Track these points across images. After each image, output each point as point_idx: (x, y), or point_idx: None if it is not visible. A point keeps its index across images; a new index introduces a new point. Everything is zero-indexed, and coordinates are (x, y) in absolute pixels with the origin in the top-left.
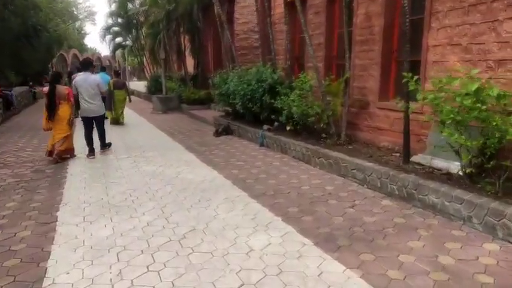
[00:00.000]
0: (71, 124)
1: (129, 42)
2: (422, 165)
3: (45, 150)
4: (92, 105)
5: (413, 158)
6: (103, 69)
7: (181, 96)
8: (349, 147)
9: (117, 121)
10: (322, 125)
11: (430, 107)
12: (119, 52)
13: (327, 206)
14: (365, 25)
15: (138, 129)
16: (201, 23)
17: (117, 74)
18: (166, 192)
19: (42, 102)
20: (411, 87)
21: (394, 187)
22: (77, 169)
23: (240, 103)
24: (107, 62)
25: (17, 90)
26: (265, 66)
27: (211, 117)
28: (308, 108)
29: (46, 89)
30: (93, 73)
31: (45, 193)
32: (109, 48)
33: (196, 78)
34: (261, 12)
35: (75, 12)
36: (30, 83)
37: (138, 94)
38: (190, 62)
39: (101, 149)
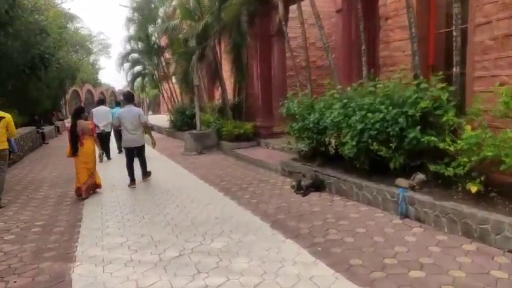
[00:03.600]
0: (99, 158)
1: (148, 71)
2: None
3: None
4: (136, 136)
5: None
6: (118, 104)
7: (220, 132)
8: None
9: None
10: None
11: None
12: (137, 83)
13: None
14: None
15: (177, 184)
16: (249, 37)
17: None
18: None
19: (52, 144)
20: None
21: None
22: None
23: (352, 142)
24: (121, 96)
25: (20, 131)
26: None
27: (269, 158)
28: None
29: (69, 124)
30: (136, 106)
31: None
32: (126, 78)
33: (238, 107)
34: (345, 14)
35: (90, 46)
36: (38, 121)
37: (159, 130)
38: (228, 87)
39: (143, 178)
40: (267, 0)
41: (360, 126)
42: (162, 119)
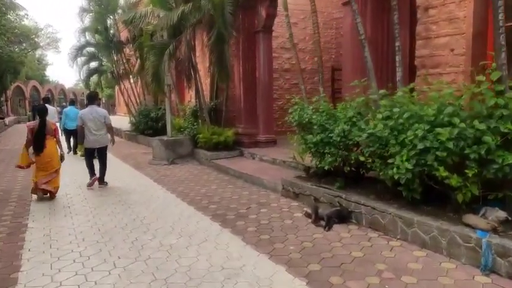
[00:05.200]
0: (61, 159)
1: (106, 67)
2: None
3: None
4: (99, 137)
5: None
6: (72, 102)
7: (195, 139)
8: None
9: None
10: None
11: None
12: (92, 80)
13: None
14: None
15: (153, 207)
16: (234, 31)
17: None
18: None
19: None
20: None
21: None
22: None
23: (407, 164)
24: (71, 94)
25: None
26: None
27: (261, 173)
28: None
29: (31, 123)
30: (99, 106)
31: None
32: (80, 74)
33: (215, 111)
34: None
35: (36, 40)
36: None
37: (118, 132)
38: (203, 88)
39: (100, 184)
40: None
41: (421, 145)
42: (120, 121)
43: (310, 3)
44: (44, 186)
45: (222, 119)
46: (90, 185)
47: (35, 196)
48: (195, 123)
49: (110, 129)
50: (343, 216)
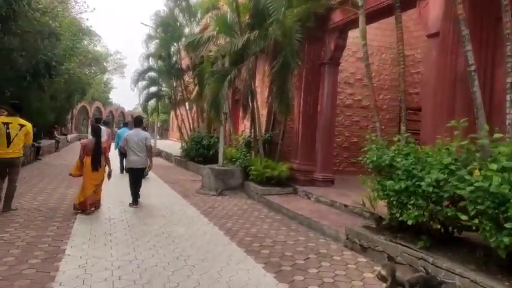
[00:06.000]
0: (109, 176)
1: (165, 92)
2: None
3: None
4: (139, 158)
5: None
6: (126, 124)
7: (246, 171)
8: None
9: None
10: None
11: None
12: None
13: None
14: None
15: (199, 244)
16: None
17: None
18: None
19: (47, 161)
20: None
21: None
22: None
23: None
24: (129, 117)
25: None
26: None
27: (320, 217)
28: None
29: (84, 141)
30: (144, 129)
31: None
32: (140, 98)
33: (270, 144)
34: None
35: (105, 64)
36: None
37: (168, 157)
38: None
39: (133, 204)
40: (323, 20)
41: None
42: (171, 146)
43: (397, 31)
44: (90, 201)
45: (277, 152)
46: (132, 205)
47: (80, 215)
48: (247, 155)
49: (149, 151)
50: (431, 287)
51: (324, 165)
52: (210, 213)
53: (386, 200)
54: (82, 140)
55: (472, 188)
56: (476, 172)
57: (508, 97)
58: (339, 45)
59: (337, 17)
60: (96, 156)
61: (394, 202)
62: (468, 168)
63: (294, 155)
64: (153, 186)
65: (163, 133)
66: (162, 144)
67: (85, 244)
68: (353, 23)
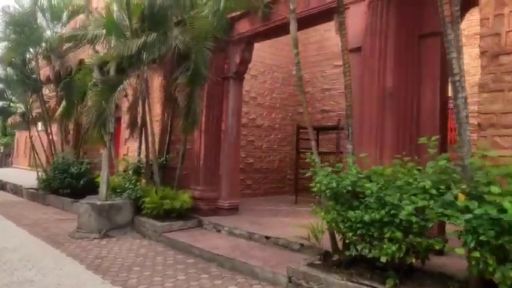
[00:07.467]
0: None
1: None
2: None
3: None
4: None
5: None
6: None
7: (138, 203)
8: None
9: None
10: None
11: None
12: None
13: None
14: None
15: None
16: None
17: None
18: None
19: None
20: None
21: None
22: None
23: None
24: None
25: None
26: None
27: (246, 257)
28: None
29: None
30: None
31: None
32: None
33: (164, 169)
34: (371, 52)
35: None
36: None
37: (16, 190)
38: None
39: None
40: (227, 29)
41: None
42: (18, 175)
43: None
44: None
45: (176, 178)
46: None
47: None
48: (137, 183)
49: None
50: None
51: (230, 190)
52: (101, 267)
53: (349, 234)
54: None
55: (470, 215)
56: (461, 196)
57: (463, 112)
58: (245, 58)
59: (242, 27)
60: None
61: (365, 236)
62: (455, 193)
63: (194, 181)
64: (2, 234)
65: (4, 160)
66: (4, 174)
67: None
68: (259, 35)
